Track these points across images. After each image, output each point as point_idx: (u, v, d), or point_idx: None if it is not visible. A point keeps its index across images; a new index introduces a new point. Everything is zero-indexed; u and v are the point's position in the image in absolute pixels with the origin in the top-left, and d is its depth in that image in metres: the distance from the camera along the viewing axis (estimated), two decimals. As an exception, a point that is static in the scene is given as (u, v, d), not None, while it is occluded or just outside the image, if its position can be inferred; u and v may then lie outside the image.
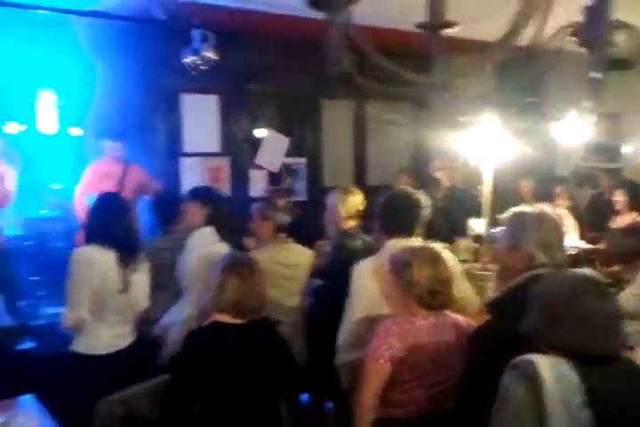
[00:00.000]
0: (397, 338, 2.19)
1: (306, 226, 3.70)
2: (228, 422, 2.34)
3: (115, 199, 3.05)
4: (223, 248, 3.08)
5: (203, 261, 3.01)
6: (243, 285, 2.38)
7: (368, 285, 2.52)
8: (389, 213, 2.79)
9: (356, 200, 3.58)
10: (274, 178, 6.44)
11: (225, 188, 5.95)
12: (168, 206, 3.75)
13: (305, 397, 3.60)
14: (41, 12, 4.33)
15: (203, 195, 3.29)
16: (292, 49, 5.66)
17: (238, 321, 2.39)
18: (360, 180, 6.89)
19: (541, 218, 2.13)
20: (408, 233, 2.73)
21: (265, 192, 6.15)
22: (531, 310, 1.70)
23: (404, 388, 2.25)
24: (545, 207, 2.26)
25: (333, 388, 2.74)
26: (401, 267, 2.30)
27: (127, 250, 2.89)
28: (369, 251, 3.28)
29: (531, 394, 1.53)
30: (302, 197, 6.49)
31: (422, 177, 6.00)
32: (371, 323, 2.40)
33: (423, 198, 2.82)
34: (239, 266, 2.44)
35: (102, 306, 2.85)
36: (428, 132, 6.27)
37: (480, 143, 3.53)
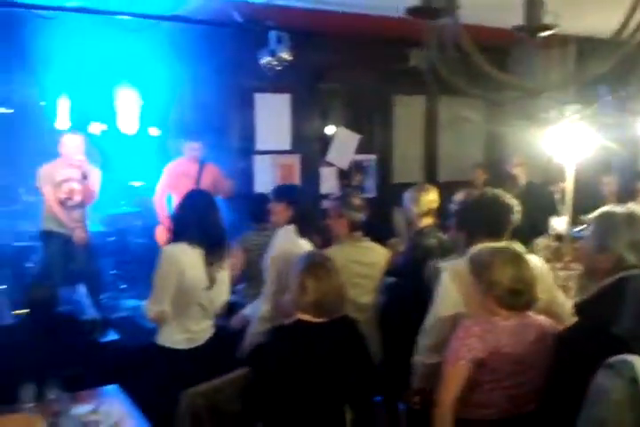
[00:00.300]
0: (478, 339, 2.15)
1: (375, 223, 3.68)
2: (301, 419, 2.37)
3: (203, 197, 3.07)
4: (303, 246, 3.11)
5: (279, 259, 3.06)
6: (320, 285, 2.39)
7: (454, 288, 2.46)
8: (477, 217, 2.59)
9: (430, 198, 3.54)
10: (343, 175, 6.44)
11: (295, 185, 6.01)
12: (259, 205, 3.87)
13: (377, 397, 3.58)
14: (125, 17, 4.49)
15: (287, 195, 3.32)
16: (363, 47, 5.66)
17: (320, 320, 2.41)
18: (431, 176, 6.80)
19: (631, 218, 2.06)
20: (497, 238, 2.52)
21: (339, 190, 6.16)
22: (625, 309, 1.64)
23: (483, 389, 2.21)
24: (635, 207, 2.16)
25: (407, 389, 2.70)
26: (481, 266, 2.25)
27: (214, 248, 2.93)
28: (445, 249, 3.24)
29: (629, 394, 1.48)
30: (372, 195, 6.46)
31: (496, 173, 5.88)
32: (455, 323, 2.35)
33: (514, 202, 2.60)
34: (314, 267, 2.45)
35: (187, 302, 2.92)
36: (502, 128, 6.13)
37: (562, 139, 3.41)
